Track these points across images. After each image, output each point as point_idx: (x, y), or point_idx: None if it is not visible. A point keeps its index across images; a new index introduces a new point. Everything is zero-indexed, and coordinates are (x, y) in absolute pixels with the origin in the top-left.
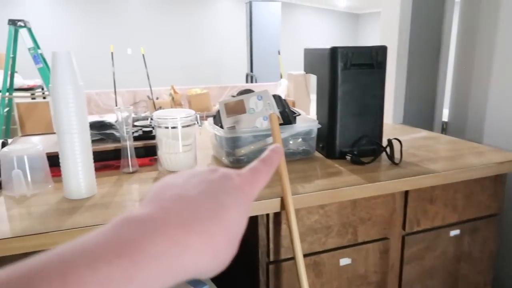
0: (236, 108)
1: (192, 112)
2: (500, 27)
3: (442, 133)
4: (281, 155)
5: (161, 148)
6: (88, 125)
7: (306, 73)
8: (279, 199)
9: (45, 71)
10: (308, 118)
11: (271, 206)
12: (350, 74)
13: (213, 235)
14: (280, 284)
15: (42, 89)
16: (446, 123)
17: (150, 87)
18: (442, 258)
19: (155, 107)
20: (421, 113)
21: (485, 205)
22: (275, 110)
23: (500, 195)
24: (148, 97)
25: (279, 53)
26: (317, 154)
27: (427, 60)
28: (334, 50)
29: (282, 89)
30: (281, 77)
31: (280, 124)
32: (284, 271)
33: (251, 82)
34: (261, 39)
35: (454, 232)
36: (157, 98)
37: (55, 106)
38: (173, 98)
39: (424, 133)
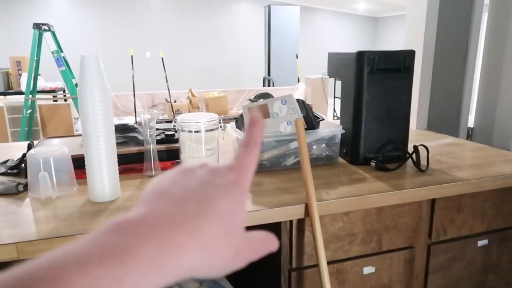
0: (259, 113)
1: (216, 116)
2: None
3: (467, 139)
4: (261, 125)
5: (184, 151)
6: (113, 128)
7: (330, 77)
8: (303, 205)
9: (67, 73)
10: (332, 123)
11: (295, 213)
12: (376, 78)
13: (201, 230)
14: None
15: (64, 91)
16: (471, 129)
17: (169, 90)
18: (469, 269)
19: (173, 110)
20: (446, 119)
21: None
22: (299, 115)
23: None
24: (166, 100)
25: (297, 56)
26: (340, 159)
27: (453, 65)
28: (360, 54)
29: (299, 93)
30: (298, 81)
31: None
32: (306, 279)
33: (269, 85)
34: (279, 42)
35: (482, 242)
36: (175, 101)
37: (82, 109)
38: (190, 101)
39: (450, 139)
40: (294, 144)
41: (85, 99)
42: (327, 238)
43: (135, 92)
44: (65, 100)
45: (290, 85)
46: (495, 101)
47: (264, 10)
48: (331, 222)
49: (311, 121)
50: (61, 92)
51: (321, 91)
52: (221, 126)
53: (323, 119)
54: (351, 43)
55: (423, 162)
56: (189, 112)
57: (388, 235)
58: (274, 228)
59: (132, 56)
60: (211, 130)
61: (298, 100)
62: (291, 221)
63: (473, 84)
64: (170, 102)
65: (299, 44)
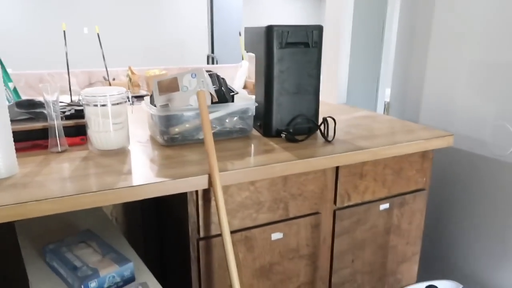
0: (170, 86)
1: (123, 89)
2: (436, 13)
3: (384, 112)
4: None
5: (91, 126)
6: (5, 102)
7: (247, 52)
8: (206, 176)
9: None
10: (247, 97)
11: (199, 183)
12: (286, 53)
13: None
14: (211, 259)
15: None
16: (388, 103)
17: (106, 67)
18: (372, 231)
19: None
20: (365, 93)
21: (413, 180)
22: (209, 88)
23: (427, 171)
24: (104, 78)
25: (240, 34)
26: (256, 132)
27: (371, 41)
28: (269, 29)
29: (243, 70)
30: (242, 58)
31: (215, 102)
32: (215, 247)
33: (212, 63)
34: (222, 20)
35: (384, 206)
36: (113, 79)
37: None
38: (130, 79)
39: (364, 112)
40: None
41: None
42: (234, 207)
43: (71, 70)
44: None
45: (233, 63)
46: (407, 77)
47: None
48: (237, 192)
49: (224, 95)
50: None
51: None
52: (129, 100)
53: (237, 93)
54: (296, 22)
55: (332, 133)
56: (128, 90)
57: (294, 202)
58: (181, 199)
59: (64, 31)
60: (118, 104)
61: (211, 74)
62: (196, 192)
63: (390, 60)
64: (108, 80)
65: (243, 22)
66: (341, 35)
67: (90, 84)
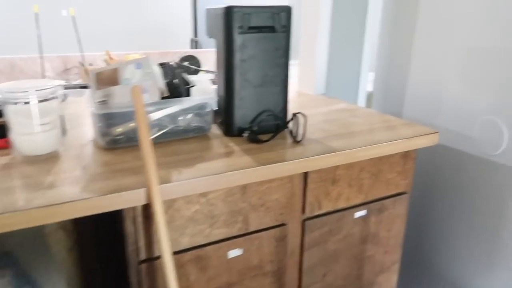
0: (111, 79)
1: (53, 82)
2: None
3: (367, 103)
4: None
5: (14, 128)
6: None
7: (209, 37)
8: (144, 189)
9: None
10: (208, 90)
11: (136, 198)
12: (248, 38)
13: None
14: (155, 283)
15: None
16: (371, 93)
17: (82, 52)
18: (347, 241)
19: (88, 75)
20: (346, 83)
21: (393, 184)
22: (158, 81)
23: (409, 172)
24: (80, 63)
25: None
26: (217, 130)
27: (353, 25)
28: (229, 10)
29: None
30: None
31: (166, 97)
32: (159, 270)
33: (196, 47)
34: (206, 2)
35: (360, 213)
36: (90, 65)
37: None
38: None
39: (343, 104)
40: (156, 115)
41: None
42: (183, 223)
43: (46, 55)
44: None
45: None
46: (390, 66)
47: None
48: (185, 205)
49: (176, 88)
50: None
51: None
52: (60, 95)
53: (194, 86)
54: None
55: (303, 131)
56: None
57: (255, 214)
58: (116, 216)
59: (36, 13)
60: (45, 100)
61: (165, 64)
62: (134, 208)
63: (373, 49)
64: (84, 66)
65: (228, 3)
66: (320, 17)
67: (66, 70)
